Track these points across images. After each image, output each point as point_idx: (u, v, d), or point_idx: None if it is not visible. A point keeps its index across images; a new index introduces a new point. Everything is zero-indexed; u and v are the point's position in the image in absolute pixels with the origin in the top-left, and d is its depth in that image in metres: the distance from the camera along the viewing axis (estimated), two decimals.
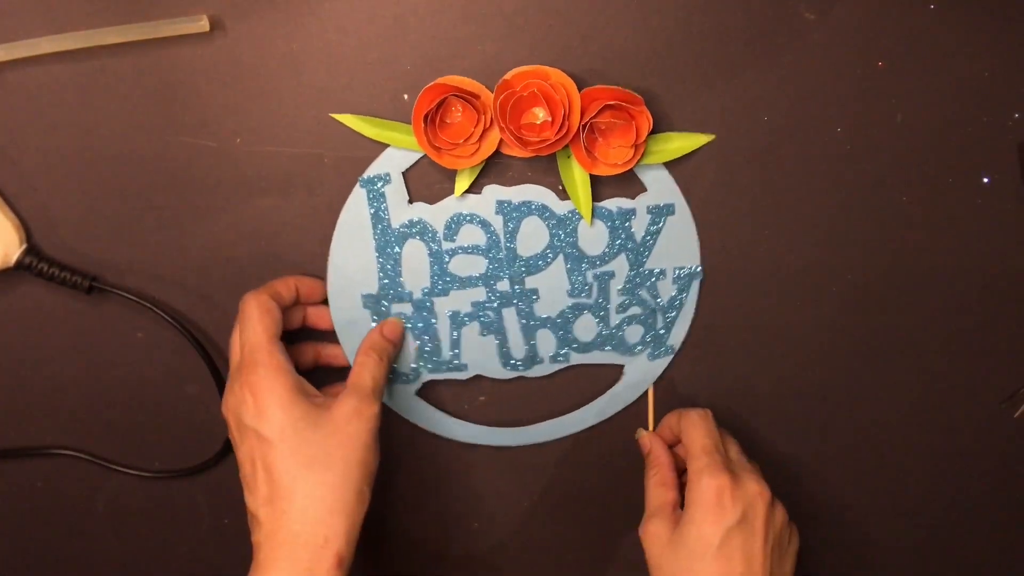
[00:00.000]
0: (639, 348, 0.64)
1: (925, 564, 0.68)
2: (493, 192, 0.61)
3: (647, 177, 0.61)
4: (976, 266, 0.64)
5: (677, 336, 0.64)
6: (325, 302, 0.62)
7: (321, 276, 0.62)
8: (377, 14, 0.60)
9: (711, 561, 0.55)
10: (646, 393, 0.65)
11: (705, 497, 0.56)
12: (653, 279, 0.63)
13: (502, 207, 0.61)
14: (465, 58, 0.60)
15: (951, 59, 0.61)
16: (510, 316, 0.63)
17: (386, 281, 0.62)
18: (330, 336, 0.63)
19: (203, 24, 0.59)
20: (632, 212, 0.62)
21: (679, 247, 0.62)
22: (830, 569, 0.69)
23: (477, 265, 0.62)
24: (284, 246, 0.62)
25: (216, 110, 0.61)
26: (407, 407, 0.65)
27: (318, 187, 0.61)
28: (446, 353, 0.63)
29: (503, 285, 0.62)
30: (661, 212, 0.62)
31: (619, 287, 0.63)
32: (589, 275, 0.62)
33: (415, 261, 0.62)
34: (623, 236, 0.62)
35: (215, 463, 0.65)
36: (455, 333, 0.63)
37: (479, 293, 0.63)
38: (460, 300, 0.63)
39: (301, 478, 0.54)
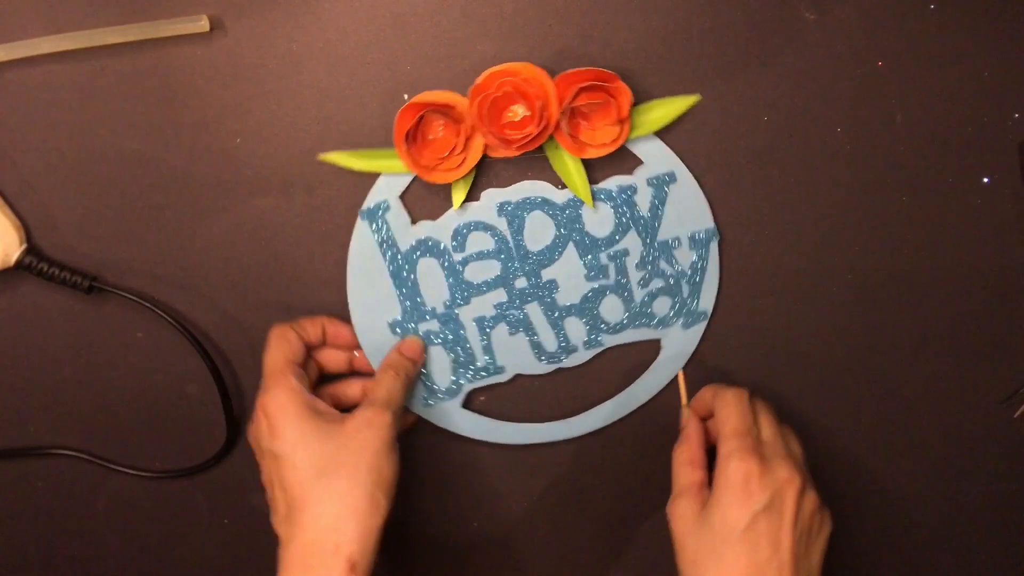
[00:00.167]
0: (671, 319, 0.64)
1: (925, 564, 0.68)
2: (491, 196, 0.61)
3: (641, 150, 0.61)
4: (976, 266, 0.64)
5: (707, 300, 0.63)
6: (356, 347, 0.63)
7: (323, 278, 0.62)
8: (377, 14, 0.60)
9: (736, 544, 0.54)
10: (676, 378, 0.64)
11: (732, 481, 0.55)
12: (670, 248, 0.62)
13: (503, 208, 0.61)
14: (465, 58, 0.60)
15: (951, 59, 0.61)
16: (534, 311, 0.63)
17: (407, 304, 0.62)
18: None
19: (203, 24, 0.59)
20: (633, 187, 0.61)
21: (689, 212, 0.62)
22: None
23: (491, 269, 0.62)
24: (284, 246, 0.62)
25: (216, 110, 0.61)
26: (454, 421, 0.65)
27: (318, 187, 0.61)
28: (481, 360, 0.64)
29: (521, 282, 0.63)
30: (662, 181, 0.62)
31: (636, 263, 0.63)
32: (603, 257, 0.62)
33: (431, 278, 0.62)
34: (629, 212, 0.62)
35: (215, 463, 0.65)
36: (485, 338, 0.63)
37: (499, 295, 0.63)
38: (482, 305, 0.63)
39: (312, 489, 0.55)
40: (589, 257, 0.62)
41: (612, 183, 0.61)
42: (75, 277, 0.61)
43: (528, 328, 0.63)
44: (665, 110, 0.60)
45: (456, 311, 0.63)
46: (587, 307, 0.63)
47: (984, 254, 0.64)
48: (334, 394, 0.63)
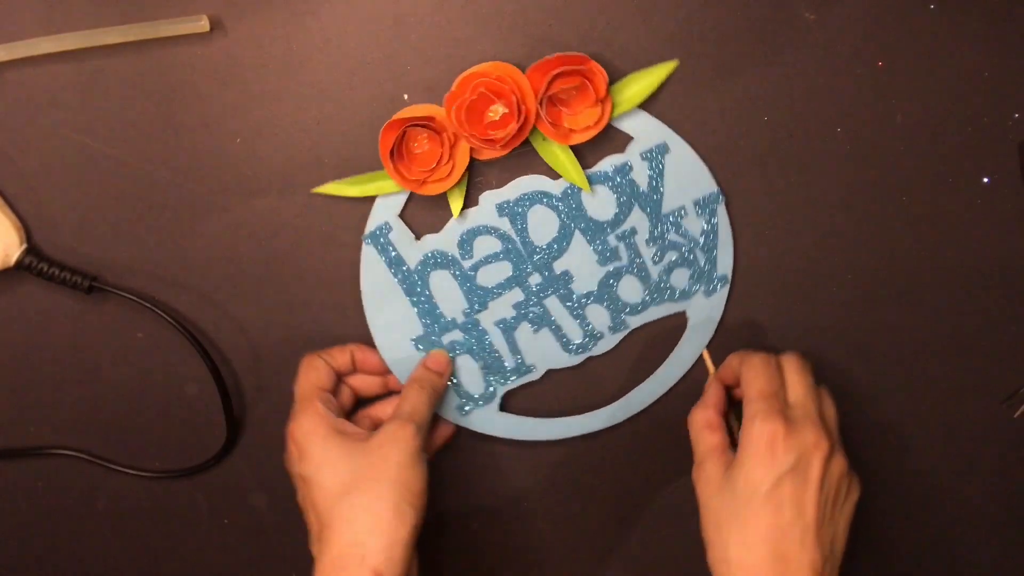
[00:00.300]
0: (692, 290, 0.63)
1: (925, 564, 0.68)
2: (489, 198, 0.61)
3: (629, 126, 0.61)
4: (976, 266, 0.64)
5: (725, 264, 0.63)
6: (385, 372, 0.63)
7: (325, 279, 0.62)
8: (377, 14, 0.60)
9: (759, 507, 0.54)
10: (702, 358, 0.64)
11: (756, 442, 0.55)
12: (677, 219, 0.62)
13: (503, 209, 0.61)
14: (465, 58, 0.60)
15: (951, 59, 0.61)
16: (554, 305, 0.63)
17: (427, 318, 0.63)
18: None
19: (203, 24, 0.59)
20: (628, 164, 0.61)
21: (689, 179, 0.62)
22: None
23: (503, 270, 0.62)
24: (284, 246, 0.62)
25: (216, 110, 0.61)
26: (494, 426, 0.64)
27: (318, 187, 0.61)
28: (510, 361, 0.64)
29: (535, 279, 0.63)
30: (656, 153, 0.61)
31: (645, 239, 0.62)
32: (611, 239, 0.62)
33: (445, 289, 0.62)
34: (629, 190, 0.62)
35: (215, 463, 0.65)
36: (510, 340, 0.63)
37: (516, 295, 0.63)
38: (501, 307, 0.63)
39: (338, 506, 0.55)
40: (598, 242, 0.62)
41: (606, 164, 0.61)
42: (75, 277, 0.61)
43: (550, 323, 0.63)
44: (645, 82, 0.60)
45: (476, 318, 0.63)
46: (606, 292, 0.63)
47: (984, 254, 0.64)
48: (372, 416, 0.63)
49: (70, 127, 0.61)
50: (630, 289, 0.63)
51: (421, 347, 0.63)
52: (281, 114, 0.61)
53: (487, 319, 0.63)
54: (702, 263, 0.63)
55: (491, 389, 0.64)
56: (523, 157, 0.61)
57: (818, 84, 0.61)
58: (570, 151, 0.60)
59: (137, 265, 0.62)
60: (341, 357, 0.62)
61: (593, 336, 0.64)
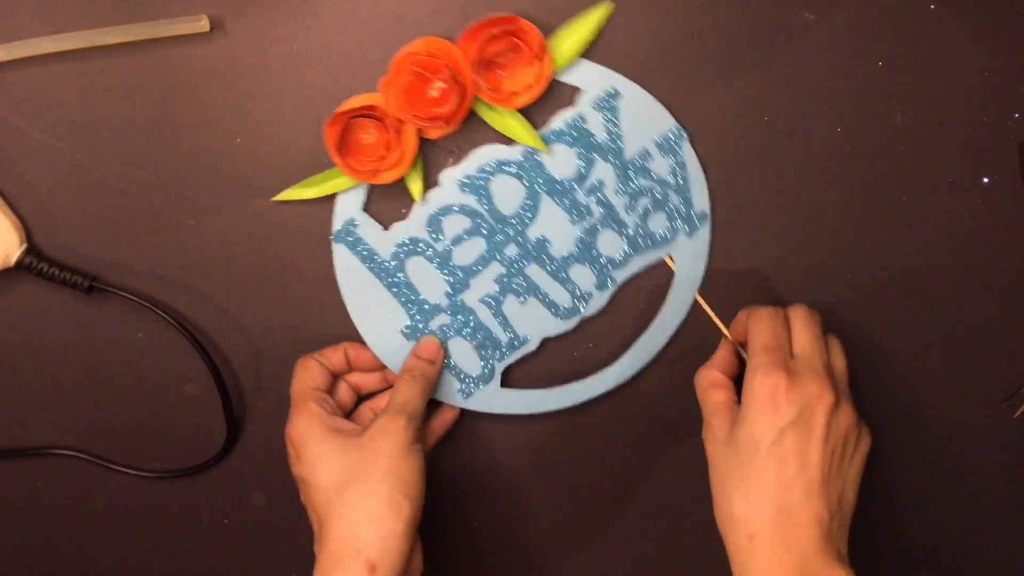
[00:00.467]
0: (673, 232, 0.62)
1: (925, 564, 0.68)
2: (449, 176, 0.61)
3: (574, 78, 0.60)
4: (976, 266, 0.64)
5: (700, 201, 0.62)
6: (380, 367, 0.63)
7: (325, 278, 0.62)
8: (377, 14, 0.60)
9: (762, 461, 0.53)
10: (709, 315, 0.63)
11: (758, 396, 0.54)
12: (642, 162, 0.61)
13: (464, 185, 0.61)
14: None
15: (951, 59, 0.61)
16: (536, 272, 0.63)
17: (411, 307, 0.62)
18: None
19: (203, 24, 0.59)
20: (580, 116, 0.61)
21: (646, 120, 0.61)
22: None
23: (478, 246, 0.62)
24: (284, 246, 0.62)
25: (216, 110, 0.61)
26: (497, 403, 0.64)
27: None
28: (503, 336, 0.63)
29: (511, 250, 0.62)
30: (607, 100, 0.61)
31: (615, 189, 0.62)
32: (580, 196, 0.62)
33: (424, 275, 0.62)
34: (587, 143, 0.61)
35: (215, 463, 0.65)
36: (498, 315, 0.63)
37: (496, 268, 0.62)
38: (483, 283, 0.62)
39: (333, 503, 0.55)
40: (566, 201, 0.62)
41: (558, 121, 0.61)
42: (75, 277, 0.61)
43: (536, 291, 0.63)
44: (581, 31, 0.59)
45: (460, 298, 0.63)
46: (585, 251, 0.62)
47: (984, 254, 0.64)
48: (374, 409, 0.64)
49: (70, 127, 0.61)
50: (609, 243, 0.62)
51: (411, 337, 0.63)
52: (281, 114, 0.61)
53: (471, 298, 0.63)
54: (677, 203, 0.62)
55: (489, 367, 0.64)
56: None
57: (818, 84, 0.61)
58: (518, 115, 0.60)
59: (137, 265, 0.62)
60: (335, 356, 0.62)
61: (582, 297, 0.63)
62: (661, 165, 0.61)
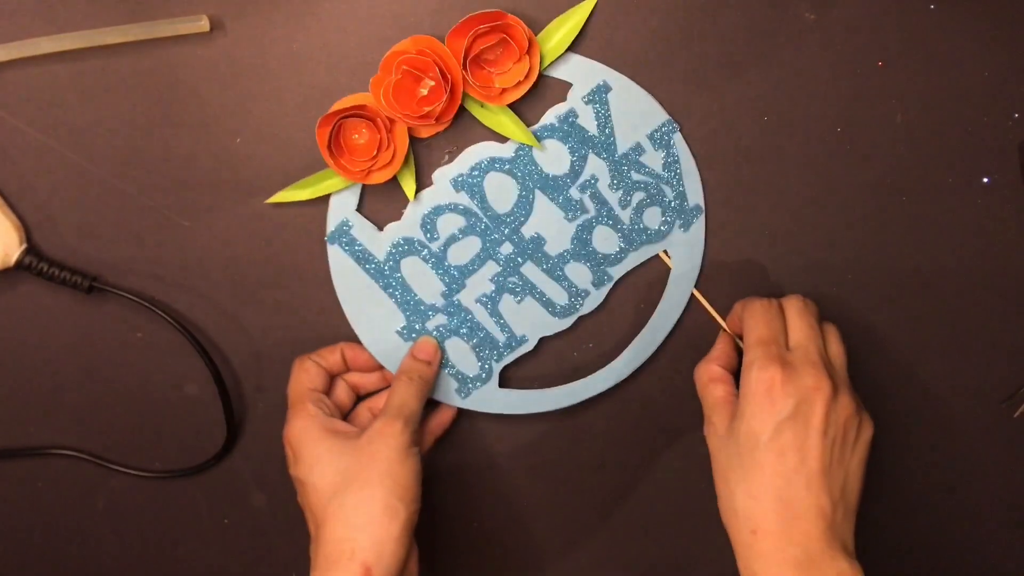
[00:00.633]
0: (668, 226, 0.62)
1: (925, 564, 0.68)
2: (442, 174, 0.61)
3: (564, 72, 0.60)
4: (976, 266, 0.64)
5: (695, 194, 0.62)
6: (377, 368, 0.63)
7: (325, 278, 0.62)
8: (376, 14, 0.60)
9: (762, 455, 0.53)
10: (706, 307, 0.63)
11: (754, 390, 0.54)
12: (635, 156, 0.61)
13: (457, 183, 0.61)
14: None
15: (951, 59, 0.61)
16: (531, 271, 0.62)
17: (408, 308, 0.62)
18: None
19: (203, 24, 0.59)
20: (572, 112, 0.60)
21: (637, 114, 0.61)
22: None
23: (472, 245, 0.62)
24: (284, 246, 0.62)
25: (216, 110, 0.61)
26: (495, 403, 0.64)
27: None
28: (500, 336, 0.63)
29: (506, 248, 0.62)
30: (598, 94, 0.60)
31: (608, 185, 0.61)
32: (574, 192, 0.61)
33: (419, 275, 0.62)
34: (578, 138, 0.61)
35: (215, 463, 0.65)
36: (495, 314, 0.63)
37: (491, 268, 0.62)
38: (479, 283, 0.62)
39: (330, 505, 0.56)
40: (561, 198, 0.61)
41: (550, 116, 0.60)
42: (75, 277, 0.61)
43: (532, 290, 0.63)
44: (568, 25, 0.59)
45: (456, 298, 0.62)
46: (581, 248, 0.62)
47: (984, 254, 0.64)
48: (372, 408, 0.63)
49: (70, 127, 0.61)
50: (605, 239, 0.62)
51: (407, 337, 0.63)
52: (281, 114, 0.61)
53: (467, 297, 0.63)
54: (671, 196, 0.62)
55: (487, 367, 0.63)
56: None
57: (818, 84, 0.61)
58: (510, 111, 0.60)
59: (137, 265, 0.62)
60: (332, 357, 0.62)
61: (578, 295, 0.63)
62: (654, 159, 0.61)
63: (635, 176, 0.61)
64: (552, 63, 0.60)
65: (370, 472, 0.56)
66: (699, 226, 0.62)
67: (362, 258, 0.62)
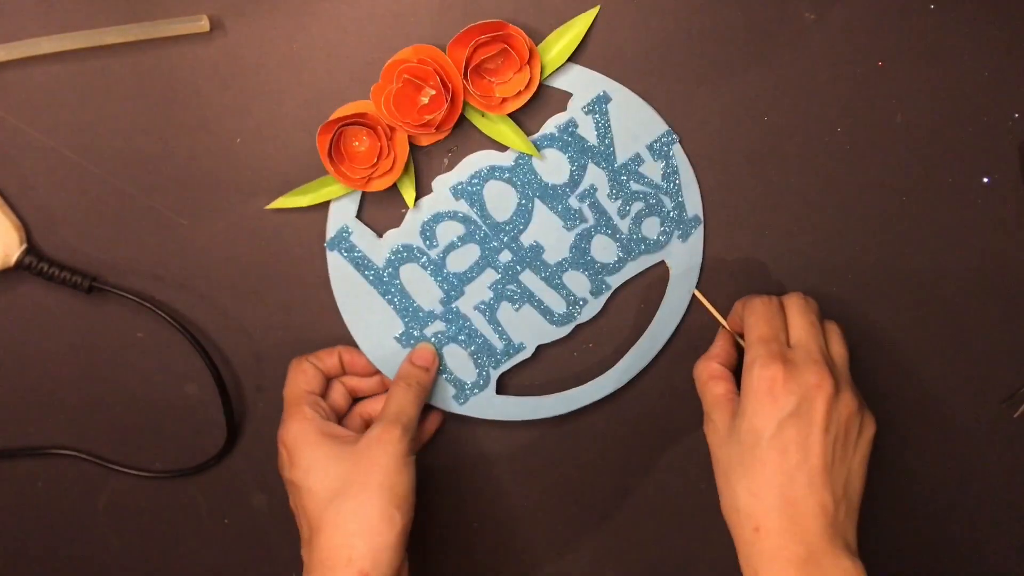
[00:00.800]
0: (667, 237, 0.62)
1: (925, 564, 0.68)
2: (442, 183, 0.61)
3: (564, 82, 0.60)
4: (976, 266, 0.64)
5: (694, 205, 0.62)
6: (374, 372, 0.63)
7: (325, 279, 0.62)
8: (377, 14, 0.60)
9: (764, 453, 0.53)
10: (703, 304, 0.63)
11: (756, 388, 0.54)
12: (634, 166, 0.61)
13: (457, 191, 0.61)
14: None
15: (951, 59, 0.61)
16: (530, 279, 0.63)
17: (406, 314, 0.62)
18: None
19: (203, 24, 0.59)
20: (572, 121, 0.61)
21: (637, 124, 0.61)
22: None
23: (471, 253, 0.62)
24: (284, 246, 0.62)
25: (216, 110, 0.61)
26: (492, 409, 0.64)
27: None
28: (498, 344, 0.63)
29: (505, 256, 0.62)
30: (598, 104, 0.61)
31: (607, 194, 0.62)
32: (573, 202, 0.62)
33: (418, 282, 0.62)
34: (578, 148, 0.61)
35: (215, 463, 0.65)
36: (493, 321, 0.63)
37: (490, 275, 0.62)
38: (478, 291, 0.62)
39: (327, 512, 0.55)
40: (560, 207, 0.62)
41: (550, 126, 0.61)
42: (75, 277, 0.61)
43: (531, 298, 0.63)
44: (569, 35, 0.59)
45: (455, 305, 0.63)
46: (579, 257, 0.62)
47: (984, 254, 0.64)
48: (363, 414, 0.63)
49: (70, 127, 0.61)
50: (603, 249, 0.62)
51: (405, 343, 0.63)
52: (281, 114, 0.61)
53: (466, 304, 0.63)
54: (670, 207, 0.62)
55: (484, 374, 0.64)
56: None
57: (818, 84, 0.61)
58: (510, 120, 0.60)
59: (137, 265, 0.62)
60: (329, 360, 0.62)
61: (576, 303, 0.63)
62: (653, 169, 0.62)
63: (634, 186, 0.62)
64: (553, 73, 0.60)
65: (368, 479, 0.55)
66: (697, 236, 0.63)
67: (361, 264, 0.62)
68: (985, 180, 0.63)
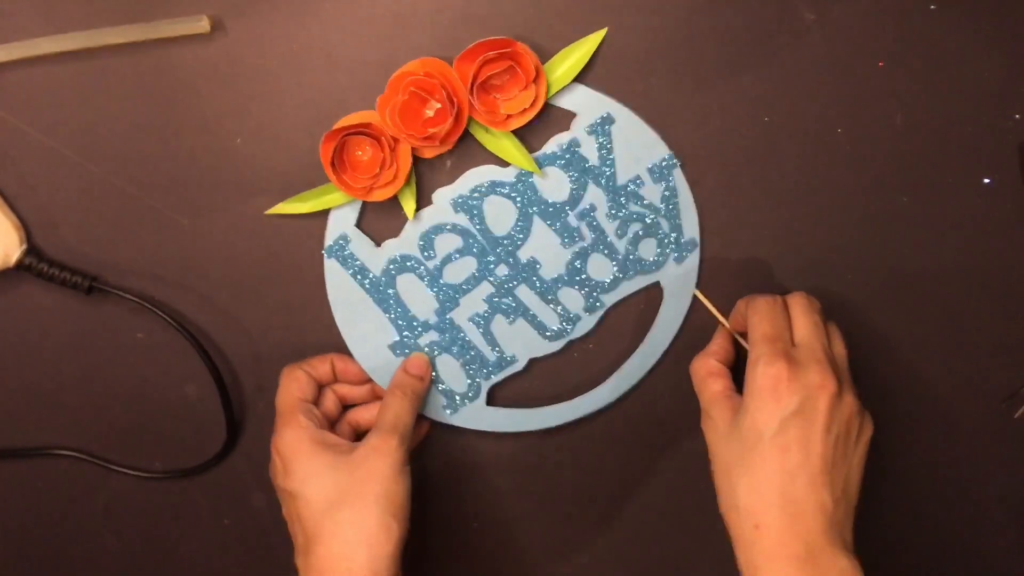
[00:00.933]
0: (662, 259, 0.63)
1: (924, 564, 0.68)
2: (442, 195, 0.61)
3: (569, 102, 0.60)
4: (976, 266, 0.64)
5: (691, 228, 0.62)
6: (366, 381, 0.63)
7: (323, 284, 0.62)
8: (377, 14, 0.60)
9: (766, 451, 0.53)
10: (697, 308, 0.63)
11: (759, 386, 0.54)
12: (634, 188, 0.61)
13: (457, 204, 0.61)
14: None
15: (951, 59, 0.61)
16: (525, 293, 0.63)
17: (401, 323, 0.63)
18: None
19: (203, 24, 0.59)
20: (575, 141, 0.61)
21: (640, 147, 0.61)
22: None
23: (468, 265, 0.62)
24: (284, 246, 0.62)
25: (216, 110, 0.61)
26: (482, 420, 0.64)
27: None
28: (491, 355, 0.63)
29: (502, 270, 0.62)
30: (602, 126, 0.61)
31: (606, 214, 0.62)
32: (572, 220, 0.62)
33: (414, 292, 0.62)
34: (579, 167, 0.61)
35: (215, 463, 0.65)
36: (486, 334, 0.63)
37: (485, 288, 0.63)
38: (473, 302, 0.63)
39: (324, 522, 0.55)
40: (558, 224, 0.62)
41: (553, 144, 0.61)
42: (75, 277, 0.61)
43: (525, 312, 0.63)
44: (576, 55, 0.59)
45: (449, 316, 0.63)
46: (575, 274, 0.63)
47: (984, 254, 0.64)
48: (352, 422, 0.63)
49: (70, 127, 0.61)
50: (599, 267, 0.63)
51: (398, 353, 0.63)
52: (281, 114, 0.61)
53: (460, 316, 0.63)
54: (668, 230, 0.62)
55: (475, 385, 0.64)
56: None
57: (818, 84, 0.61)
58: (513, 137, 0.60)
59: (137, 265, 0.62)
60: (322, 367, 0.62)
61: (570, 320, 0.63)
62: (653, 192, 0.62)
63: (633, 207, 0.62)
64: (558, 92, 0.60)
65: (366, 489, 0.55)
66: (693, 259, 0.63)
67: (358, 273, 0.62)
68: (985, 180, 0.63)
